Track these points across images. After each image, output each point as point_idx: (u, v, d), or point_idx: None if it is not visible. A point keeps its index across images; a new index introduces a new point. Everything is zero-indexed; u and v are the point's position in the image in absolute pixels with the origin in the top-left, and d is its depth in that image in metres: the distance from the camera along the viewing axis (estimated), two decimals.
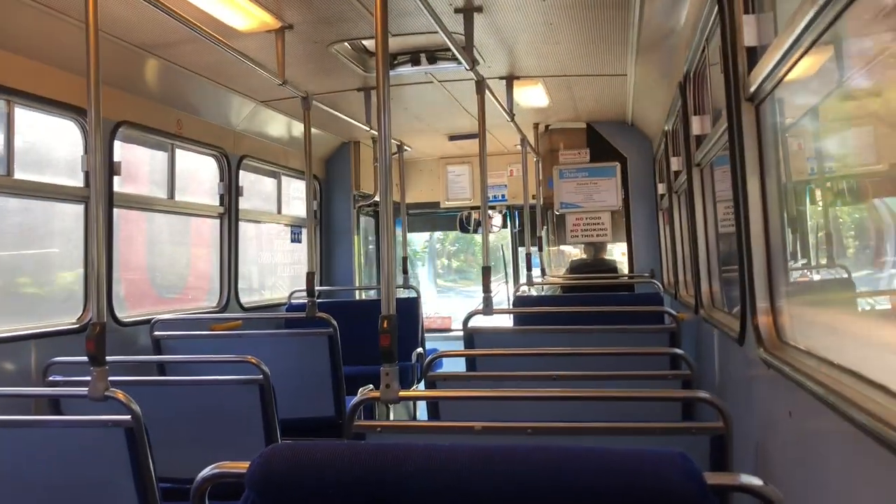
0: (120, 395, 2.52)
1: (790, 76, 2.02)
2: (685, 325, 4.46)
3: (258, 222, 6.59)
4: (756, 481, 1.23)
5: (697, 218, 3.96)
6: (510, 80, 5.47)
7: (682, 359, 3.18)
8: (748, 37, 2.30)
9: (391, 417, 6.19)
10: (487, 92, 4.44)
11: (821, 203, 2.32)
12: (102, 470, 2.59)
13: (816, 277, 2.33)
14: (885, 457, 1.22)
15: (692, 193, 3.97)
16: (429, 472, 1.24)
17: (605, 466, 1.19)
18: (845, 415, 1.41)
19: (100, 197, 2.76)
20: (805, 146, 2.38)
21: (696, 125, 3.66)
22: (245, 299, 6.07)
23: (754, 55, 2.29)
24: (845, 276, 2.12)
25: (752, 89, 2.25)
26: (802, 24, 1.69)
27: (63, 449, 2.66)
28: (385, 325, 2.39)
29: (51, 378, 3.48)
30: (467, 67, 4.02)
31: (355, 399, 2.40)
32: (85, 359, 2.60)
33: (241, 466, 1.34)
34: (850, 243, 2.12)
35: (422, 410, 6.53)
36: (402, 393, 2.42)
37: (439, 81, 5.52)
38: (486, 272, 4.50)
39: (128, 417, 2.48)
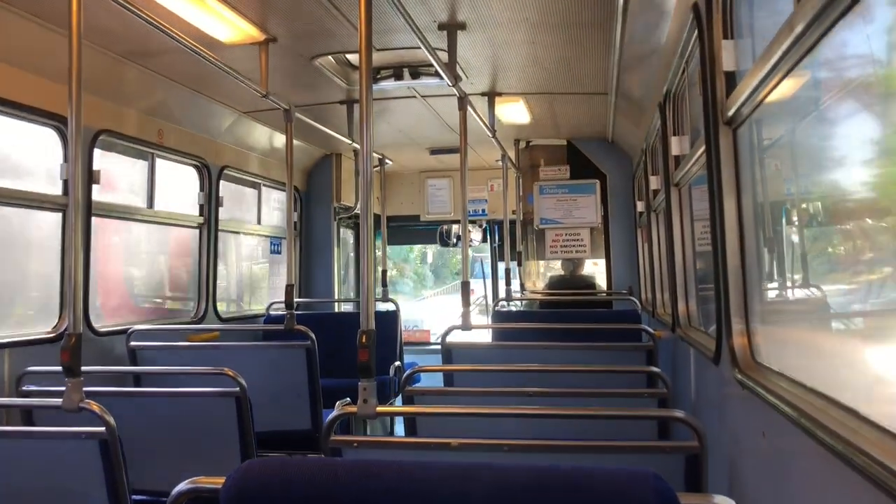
0: (94, 406, 2.50)
1: (767, 101, 2.05)
2: (662, 342, 4.50)
3: (238, 233, 6.56)
4: (729, 502, 1.25)
5: (675, 236, 4.00)
6: (492, 96, 5.51)
7: (658, 377, 3.21)
8: (726, 62, 2.34)
9: (368, 431, 6.17)
10: (469, 108, 4.47)
11: (796, 224, 2.36)
12: (76, 482, 2.56)
13: (791, 298, 2.37)
14: (854, 480, 1.24)
15: (670, 212, 4.01)
16: (403, 490, 1.24)
17: (578, 485, 1.20)
18: (816, 437, 1.44)
19: (78, 206, 2.75)
20: (781, 169, 2.42)
21: (675, 146, 3.70)
22: (223, 310, 6.03)
23: (732, 79, 2.33)
24: (818, 296, 2.16)
25: (730, 113, 2.28)
26: (780, 52, 1.73)
27: (36, 460, 2.63)
28: (364, 339, 2.39)
29: (24, 388, 3.44)
30: (450, 84, 4.04)
31: (332, 414, 2.39)
32: (59, 369, 2.57)
33: (217, 482, 1.34)
34: (824, 264, 2.16)
35: (399, 424, 6.51)
36: (380, 409, 2.42)
37: (422, 96, 5.55)
38: (465, 287, 4.51)
39: (102, 429, 2.46)
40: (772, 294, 2.46)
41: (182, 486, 1.43)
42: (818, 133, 2.09)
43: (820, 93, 1.95)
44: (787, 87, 1.93)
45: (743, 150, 2.33)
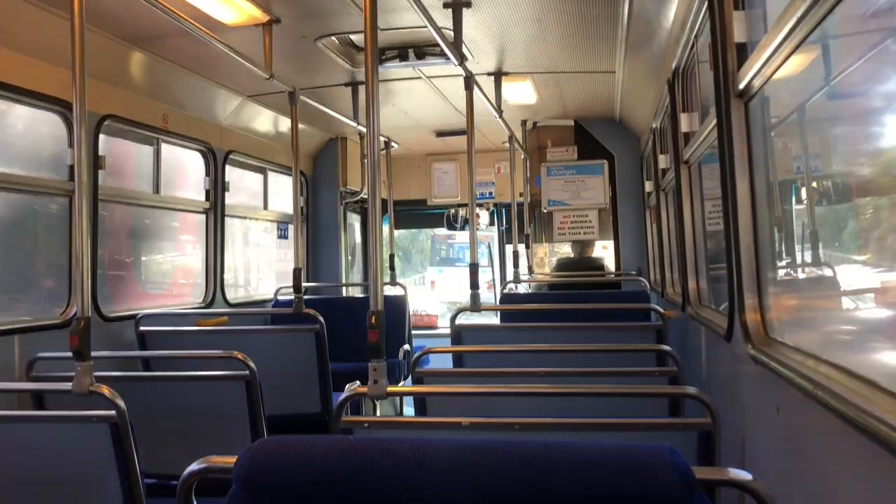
0: (105, 390, 2.50)
1: (780, 73, 2.02)
2: (671, 322, 4.48)
3: (244, 218, 6.55)
4: (746, 476, 1.23)
5: (685, 215, 3.97)
6: (498, 76, 5.47)
7: (668, 355, 3.19)
8: (738, 33, 2.31)
9: (377, 414, 6.18)
10: (476, 88, 4.44)
11: (808, 200, 2.33)
12: (87, 465, 2.57)
13: (804, 274, 2.34)
14: (872, 449, 1.23)
15: (680, 191, 3.98)
16: (417, 467, 1.23)
17: (594, 461, 1.19)
18: (833, 409, 1.42)
19: (84, 191, 2.73)
20: (793, 143, 2.39)
21: (685, 122, 3.66)
22: (231, 295, 6.03)
23: (744, 52, 2.30)
24: (832, 273, 2.14)
25: (742, 86, 2.25)
26: (793, 21, 1.70)
27: (47, 444, 2.63)
28: (373, 320, 2.38)
29: (35, 373, 3.45)
30: (456, 63, 4.00)
31: (343, 395, 2.38)
32: (69, 354, 2.57)
33: (229, 461, 1.33)
34: (837, 240, 2.13)
35: (408, 408, 6.52)
36: (390, 389, 2.41)
37: (427, 77, 5.51)
38: (474, 269, 4.49)
39: (112, 413, 2.46)
40: (784, 271, 2.43)
41: (194, 465, 1.42)
42: (833, 105, 2.06)
43: (836, 62, 1.92)
44: (801, 58, 1.90)
45: (755, 124, 2.30)
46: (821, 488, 1.63)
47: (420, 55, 4.84)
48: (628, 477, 1.16)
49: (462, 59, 4.09)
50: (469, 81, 4.30)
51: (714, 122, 2.58)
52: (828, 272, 2.20)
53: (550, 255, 7.81)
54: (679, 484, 1.13)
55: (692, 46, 3.35)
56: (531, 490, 1.19)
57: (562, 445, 1.23)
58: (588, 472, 1.18)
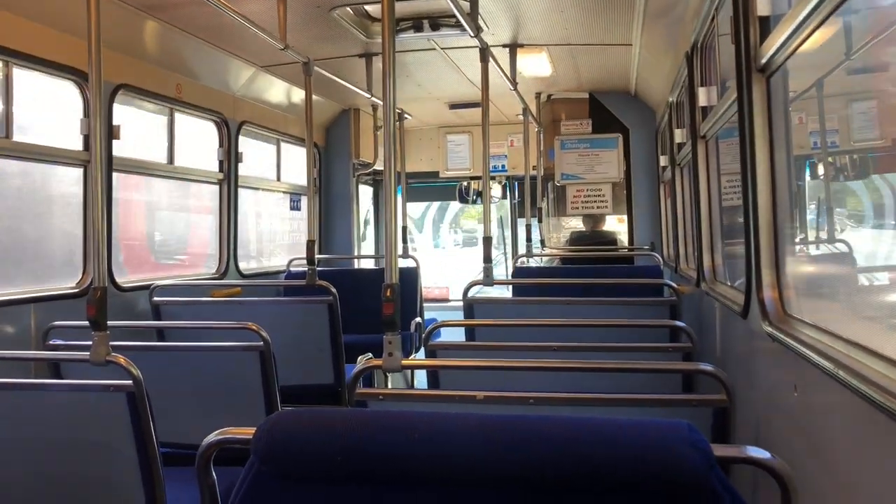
0: (121, 359, 2.51)
1: (804, 47, 1.99)
2: (685, 298, 4.46)
3: (257, 189, 6.55)
4: (764, 454, 1.23)
5: (701, 190, 3.94)
6: (514, 48, 5.41)
7: (683, 331, 3.17)
8: (761, 6, 2.26)
9: (389, 386, 6.21)
10: (490, 60, 4.39)
11: (831, 177, 2.30)
12: (104, 434, 2.59)
13: (824, 250, 2.32)
14: (892, 428, 1.22)
15: (696, 166, 3.94)
16: (435, 440, 1.23)
17: (612, 436, 1.18)
18: (853, 388, 1.41)
19: (99, 160, 2.73)
20: (816, 120, 2.36)
21: (703, 97, 3.62)
22: (244, 266, 6.05)
23: (767, 25, 2.26)
24: (851, 248, 2.12)
25: (764, 60, 2.21)
26: None
27: (64, 413, 2.66)
28: (388, 293, 2.38)
29: (51, 342, 3.48)
30: (472, 34, 3.96)
31: (357, 367, 2.39)
32: (85, 323, 2.59)
33: (247, 432, 1.33)
34: (860, 218, 2.11)
35: (419, 381, 6.55)
36: (405, 361, 2.42)
37: (441, 49, 5.46)
38: (487, 242, 4.48)
39: (129, 382, 2.48)
40: (804, 246, 2.41)
41: (212, 436, 1.43)
42: (858, 82, 2.03)
43: (862, 38, 1.88)
44: (826, 32, 1.86)
45: (776, 100, 2.26)
46: (840, 469, 1.62)
47: (435, 26, 4.79)
48: (647, 454, 1.16)
49: (478, 30, 4.04)
50: (484, 53, 4.25)
51: (734, 96, 2.54)
52: (847, 248, 2.19)
53: (562, 230, 7.79)
54: (698, 461, 1.13)
55: (712, 19, 3.29)
56: (550, 466, 1.18)
57: (580, 421, 1.23)
58: (606, 449, 1.18)
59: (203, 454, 1.42)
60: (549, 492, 1.20)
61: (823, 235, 2.36)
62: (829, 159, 2.27)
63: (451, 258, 13.11)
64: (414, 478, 1.25)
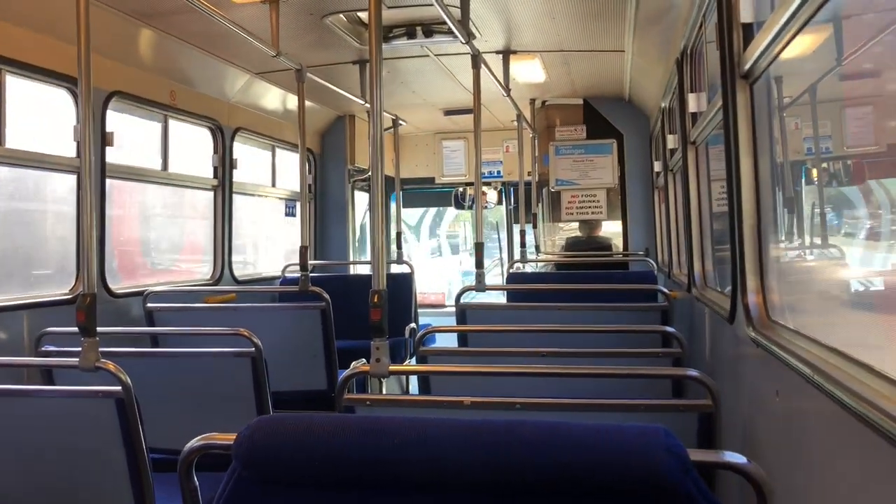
0: (110, 365, 2.52)
1: (785, 54, 2.00)
2: (678, 303, 4.47)
3: (252, 195, 6.56)
4: (740, 459, 1.23)
5: (692, 196, 3.95)
6: (507, 54, 5.43)
7: (673, 337, 3.19)
8: (744, 13, 2.28)
9: (384, 392, 6.21)
10: (483, 66, 4.41)
11: (814, 183, 2.32)
12: (93, 440, 2.60)
13: (807, 256, 2.34)
14: (867, 436, 1.23)
15: (687, 171, 3.96)
16: (415, 444, 1.24)
17: (588, 441, 1.19)
18: (830, 394, 1.42)
19: (91, 167, 2.74)
20: (799, 126, 2.38)
21: (693, 102, 3.64)
22: (239, 272, 6.06)
23: (750, 32, 2.28)
24: (835, 254, 2.13)
25: (747, 67, 2.23)
26: (798, 1, 1.68)
27: (54, 419, 2.66)
28: (375, 299, 2.39)
29: (43, 348, 3.48)
30: (463, 41, 3.98)
31: (345, 373, 2.40)
32: (76, 329, 2.59)
33: (229, 438, 1.34)
34: (841, 223, 2.13)
35: (414, 388, 6.56)
36: (393, 367, 2.43)
37: (435, 55, 5.48)
38: (479, 248, 4.49)
39: (118, 388, 2.48)
40: (787, 253, 2.42)
41: (194, 442, 1.43)
42: (839, 88, 2.04)
43: (842, 44, 1.90)
44: (806, 39, 1.88)
45: (760, 105, 2.28)
46: (817, 474, 1.63)
47: (428, 33, 4.81)
48: (622, 458, 1.16)
49: (469, 36, 4.06)
50: (476, 59, 4.27)
51: (720, 103, 2.56)
52: (831, 253, 2.20)
53: (558, 234, 7.80)
54: (673, 466, 1.13)
55: (701, 25, 3.31)
56: (527, 470, 1.19)
57: (558, 426, 1.24)
58: (583, 453, 1.18)
59: (185, 459, 1.43)
60: (528, 495, 1.21)
61: (808, 241, 2.38)
62: (812, 165, 2.28)
63: (445, 267, 13.06)
64: (395, 482, 1.26)
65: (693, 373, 2.26)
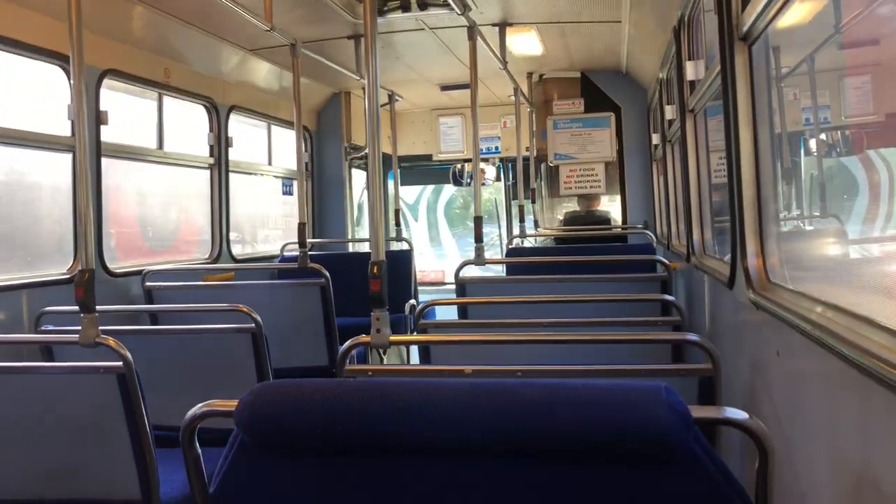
0: (111, 341, 2.52)
1: (784, 21, 1.99)
2: (677, 275, 4.47)
3: (249, 174, 6.54)
4: (741, 415, 1.23)
5: (690, 165, 3.94)
6: (503, 26, 5.39)
7: (672, 305, 3.19)
8: None
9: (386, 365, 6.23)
10: (479, 39, 4.37)
11: (816, 149, 2.31)
12: (96, 416, 2.61)
13: (807, 219, 2.33)
14: (869, 386, 1.23)
15: (685, 140, 3.95)
16: (417, 407, 1.24)
17: (591, 400, 1.19)
18: (831, 348, 1.42)
19: (86, 146, 2.73)
20: (797, 95, 2.37)
21: (691, 70, 3.61)
22: (237, 252, 6.05)
23: None
24: (832, 219, 2.13)
25: (745, 28, 2.21)
26: None
27: (56, 395, 2.67)
28: (375, 270, 2.39)
29: (43, 327, 3.49)
30: (458, 12, 3.95)
31: (347, 343, 2.41)
32: (76, 308, 2.59)
33: (231, 405, 1.34)
34: (837, 186, 2.12)
35: (416, 361, 6.57)
36: (393, 338, 2.44)
37: (430, 28, 5.43)
38: (478, 222, 4.48)
39: (119, 364, 2.49)
40: (787, 215, 2.42)
41: (196, 409, 1.43)
42: (837, 59, 2.03)
43: (841, 5, 1.88)
44: (804, 6, 1.86)
45: (759, 68, 2.26)
46: (818, 428, 1.64)
47: (422, 5, 4.76)
48: (625, 415, 1.16)
49: (465, 7, 4.03)
50: (472, 31, 4.24)
51: (718, 68, 2.55)
52: (828, 217, 2.20)
53: (557, 210, 7.79)
54: (675, 421, 1.13)
55: None
56: (529, 430, 1.19)
57: (557, 386, 1.24)
58: (585, 411, 1.18)
59: (187, 426, 1.43)
60: (529, 456, 1.22)
61: (809, 204, 2.37)
62: (810, 135, 2.28)
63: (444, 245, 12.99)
64: (396, 447, 1.26)
65: (693, 337, 2.26)
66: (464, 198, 12.50)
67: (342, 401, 1.27)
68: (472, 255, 4.55)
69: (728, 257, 2.64)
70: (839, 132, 2.17)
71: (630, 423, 1.15)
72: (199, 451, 1.46)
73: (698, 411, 1.19)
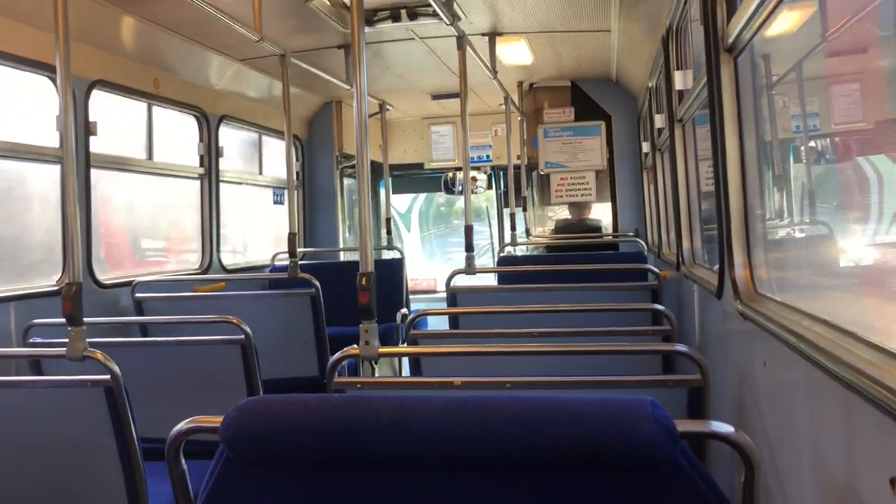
0: (98, 354, 2.51)
1: (769, 31, 2.00)
2: (668, 283, 4.48)
3: (239, 183, 6.53)
4: (727, 429, 1.23)
5: (679, 174, 3.95)
6: (493, 36, 5.40)
7: (662, 315, 3.19)
8: None
9: (376, 377, 6.21)
10: (469, 49, 4.38)
11: (801, 158, 2.32)
12: (84, 430, 2.59)
13: (794, 230, 2.34)
14: (853, 401, 1.23)
15: (674, 150, 3.96)
16: (403, 423, 1.23)
17: (573, 414, 1.19)
18: (816, 362, 1.42)
19: (74, 157, 2.72)
20: (787, 103, 2.37)
21: (679, 80, 3.63)
22: (227, 262, 6.04)
23: (734, 5, 2.27)
24: (820, 227, 2.13)
25: (731, 40, 2.23)
26: None
27: (44, 409, 2.65)
28: (364, 281, 2.38)
29: (31, 340, 3.46)
30: (447, 22, 3.95)
31: (335, 356, 2.40)
32: (64, 321, 2.58)
33: (216, 421, 1.33)
34: (824, 196, 2.13)
35: (407, 373, 6.56)
36: (382, 350, 2.43)
37: (420, 38, 5.44)
38: (469, 231, 4.48)
39: (107, 377, 2.47)
40: (773, 227, 2.43)
41: (182, 425, 1.42)
42: (823, 61, 2.04)
43: (827, 16, 1.89)
44: (790, 10, 1.87)
45: (744, 79, 2.28)
46: (805, 441, 1.64)
47: (412, 15, 4.77)
48: (610, 429, 1.16)
49: (454, 18, 4.04)
50: (461, 42, 4.25)
51: (705, 79, 2.56)
52: (816, 227, 2.20)
53: (547, 224, 7.80)
54: (661, 436, 1.13)
55: (685, 1, 3.30)
56: (514, 445, 1.19)
57: (544, 400, 1.23)
58: (571, 426, 1.18)
59: (172, 443, 1.42)
60: (516, 469, 1.21)
61: (796, 214, 2.38)
62: (799, 143, 2.28)
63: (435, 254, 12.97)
64: (382, 463, 1.25)
65: (682, 348, 2.26)
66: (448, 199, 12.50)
67: (327, 417, 1.27)
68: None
69: (717, 267, 2.65)
70: (827, 140, 2.18)
71: (616, 437, 1.15)
72: (185, 466, 1.45)
73: (685, 425, 1.19)
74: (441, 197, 12.35)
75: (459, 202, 9.03)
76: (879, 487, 1.14)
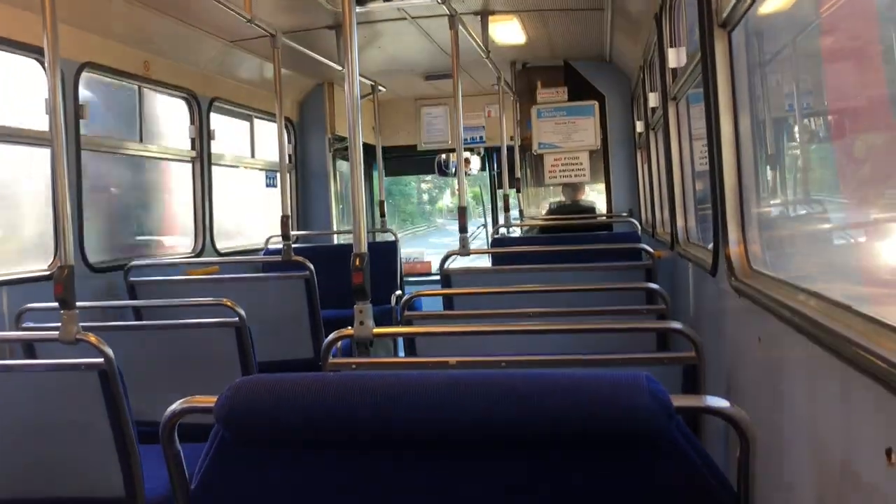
0: (91, 338, 2.50)
1: (763, 7, 1.99)
2: (662, 263, 4.48)
3: (231, 166, 6.49)
4: (722, 403, 1.23)
5: (673, 152, 3.94)
6: (485, 15, 5.37)
7: (657, 293, 3.19)
8: None
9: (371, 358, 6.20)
10: (462, 28, 4.35)
11: (796, 133, 2.31)
12: (79, 413, 2.58)
13: (789, 206, 2.34)
14: (848, 373, 1.23)
15: (668, 128, 3.95)
16: (397, 400, 1.23)
17: (572, 390, 1.18)
18: (811, 335, 1.42)
19: (63, 140, 2.69)
20: (780, 77, 2.37)
21: (673, 57, 3.61)
22: (221, 245, 6.02)
23: None
24: (814, 204, 2.13)
25: (725, 14, 2.21)
26: None
27: (38, 393, 2.65)
28: (357, 262, 2.38)
29: (24, 324, 3.45)
30: (439, 1, 3.92)
31: (330, 337, 2.39)
32: (56, 304, 2.57)
33: (210, 401, 1.33)
34: (819, 171, 2.13)
35: (402, 354, 6.56)
36: (377, 330, 2.42)
37: (412, 17, 5.40)
38: (462, 212, 4.47)
39: (100, 360, 2.46)
40: (767, 202, 2.43)
41: (176, 405, 1.42)
42: (817, 39, 2.03)
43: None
44: None
45: (738, 54, 2.26)
46: (800, 414, 1.65)
47: None
48: (606, 404, 1.16)
49: None
50: (453, 20, 4.21)
51: (699, 55, 2.54)
52: (809, 203, 2.20)
53: (542, 199, 7.79)
54: (656, 410, 1.13)
55: None
56: (509, 421, 1.19)
57: (538, 376, 1.23)
58: (566, 401, 1.18)
59: (167, 423, 1.41)
60: (510, 446, 1.21)
61: (790, 191, 2.38)
62: (792, 120, 2.28)
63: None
64: (376, 440, 1.25)
65: (676, 325, 2.26)
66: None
67: (321, 395, 1.26)
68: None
69: (711, 245, 2.65)
70: (821, 118, 2.18)
71: (611, 412, 1.15)
72: (180, 448, 1.45)
73: (680, 400, 1.19)
74: (425, 189, 12.33)
75: (442, 200, 9.00)
76: (876, 458, 1.15)
